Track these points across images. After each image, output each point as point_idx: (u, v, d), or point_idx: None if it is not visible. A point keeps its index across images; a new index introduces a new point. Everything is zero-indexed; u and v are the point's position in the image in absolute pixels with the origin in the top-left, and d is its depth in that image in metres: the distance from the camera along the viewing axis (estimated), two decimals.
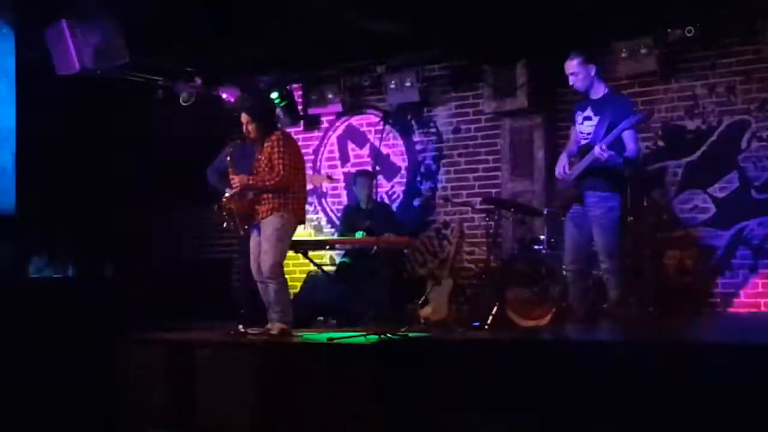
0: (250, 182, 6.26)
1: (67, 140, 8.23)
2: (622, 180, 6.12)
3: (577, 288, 6.14)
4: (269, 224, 6.21)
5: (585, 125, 6.09)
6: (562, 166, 6.17)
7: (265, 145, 6.27)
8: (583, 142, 6.08)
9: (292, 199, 6.28)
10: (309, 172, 8.32)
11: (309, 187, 8.48)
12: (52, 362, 6.83)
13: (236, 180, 6.31)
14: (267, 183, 6.19)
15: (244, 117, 6.33)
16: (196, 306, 8.30)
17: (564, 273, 6.29)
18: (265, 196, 6.24)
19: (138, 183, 9.79)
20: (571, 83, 6.12)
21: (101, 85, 7.67)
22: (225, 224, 6.60)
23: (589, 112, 6.09)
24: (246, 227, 6.33)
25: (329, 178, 7.89)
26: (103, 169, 8.58)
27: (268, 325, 6.34)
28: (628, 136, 5.91)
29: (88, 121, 8.32)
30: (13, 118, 7.65)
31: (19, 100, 7.67)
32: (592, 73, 6.04)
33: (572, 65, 6.04)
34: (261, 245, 6.25)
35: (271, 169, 6.23)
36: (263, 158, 6.28)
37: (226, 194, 6.42)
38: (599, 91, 6.09)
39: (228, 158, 6.46)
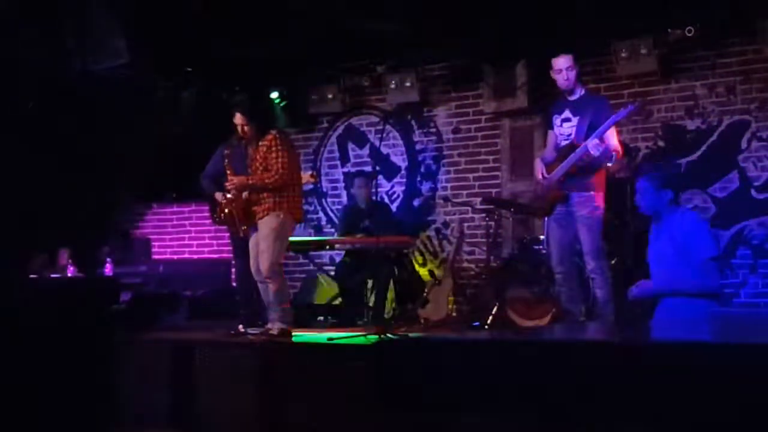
0: (249, 182, 6.26)
1: (66, 140, 8.21)
2: (606, 180, 6.14)
3: (568, 289, 6.14)
4: (266, 224, 6.21)
5: (564, 127, 6.09)
6: (540, 171, 6.14)
7: (261, 144, 6.27)
8: (564, 143, 6.08)
9: (289, 199, 6.27)
10: None
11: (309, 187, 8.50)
12: (51, 362, 6.82)
13: (235, 181, 6.30)
14: (266, 182, 6.19)
15: (239, 118, 6.33)
16: (196, 306, 8.30)
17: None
18: (261, 196, 6.24)
19: (138, 182, 9.79)
20: (563, 78, 6.05)
21: (101, 85, 7.66)
22: (222, 225, 6.61)
23: (567, 114, 6.08)
24: (244, 228, 6.33)
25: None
26: (102, 168, 8.56)
27: (268, 325, 6.34)
28: (609, 135, 5.92)
29: (88, 120, 8.30)
30: None
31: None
32: (578, 73, 6.06)
33: (567, 59, 6.00)
34: (259, 245, 6.26)
35: (266, 169, 6.22)
36: (259, 158, 6.27)
37: (227, 195, 6.41)
38: (577, 92, 6.10)
39: (225, 160, 6.46)
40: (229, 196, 6.40)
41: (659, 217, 5.63)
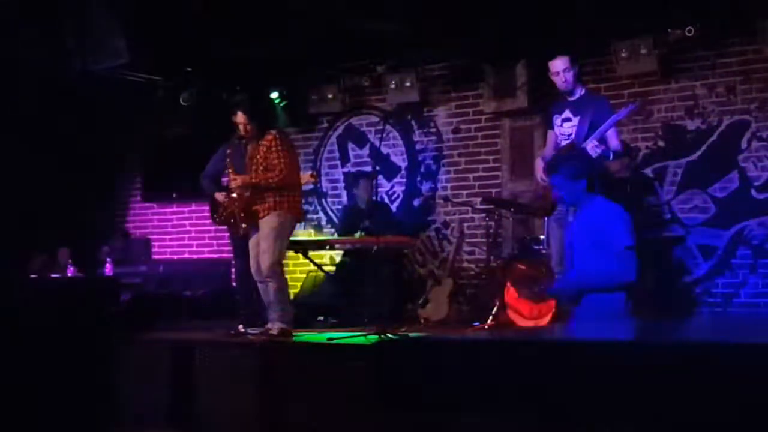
0: (252, 181, 6.25)
1: (67, 140, 8.23)
2: (608, 179, 6.15)
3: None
4: (267, 223, 6.22)
5: (565, 127, 6.11)
6: (541, 171, 6.15)
7: (261, 144, 6.26)
8: (564, 143, 6.09)
9: (289, 198, 6.28)
10: None
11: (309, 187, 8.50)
12: (51, 362, 6.82)
13: (238, 180, 6.29)
14: (269, 182, 6.19)
15: (240, 117, 6.32)
16: (196, 306, 8.31)
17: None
18: (263, 195, 6.24)
19: (137, 182, 9.79)
20: (561, 80, 6.07)
21: (101, 85, 7.67)
22: (222, 225, 6.60)
23: (567, 114, 6.10)
24: (245, 227, 6.33)
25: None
26: (102, 168, 8.59)
27: (268, 325, 6.34)
28: (610, 134, 5.94)
29: (88, 121, 8.32)
30: None
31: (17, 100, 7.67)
32: (577, 73, 6.06)
33: (564, 62, 6.02)
34: (260, 244, 6.26)
35: (266, 169, 6.22)
36: (259, 157, 6.27)
37: (232, 195, 6.39)
38: (577, 92, 6.11)
39: (227, 159, 6.46)
40: (233, 195, 6.38)
41: (578, 208, 5.53)
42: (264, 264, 6.20)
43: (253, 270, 6.37)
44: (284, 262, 6.47)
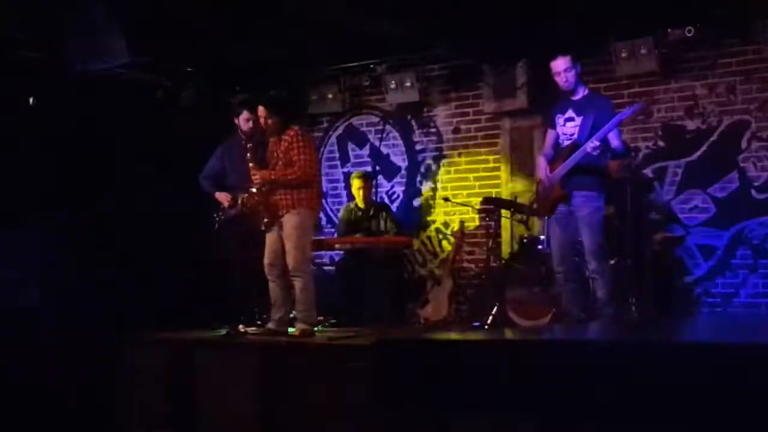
0: (272, 177, 6.25)
1: (66, 140, 8.21)
2: (608, 180, 6.15)
3: (569, 289, 6.14)
4: (288, 222, 6.22)
5: (567, 126, 6.11)
6: (543, 169, 6.16)
7: (282, 139, 6.27)
8: (567, 143, 6.09)
9: (308, 194, 6.29)
10: None
11: None
12: (52, 362, 6.83)
13: (258, 176, 6.28)
14: (289, 178, 6.19)
15: (261, 111, 6.32)
16: (196, 306, 8.30)
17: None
18: (281, 192, 6.24)
19: (137, 183, 9.78)
20: (562, 80, 6.07)
21: (100, 85, 7.65)
22: (224, 225, 6.60)
23: (570, 113, 6.09)
24: (266, 221, 6.29)
25: None
26: (102, 168, 8.56)
27: (269, 325, 6.34)
28: (612, 134, 5.94)
29: (88, 121, 8.29)
30: None
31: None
32: (579, 72, 6.06)
33: (565, 61, 6.01)
34: (284, 244, 6.22)
35: (286, 164, 6.22)
36: (279, 153, 6.28)
37: (252, 190, 6.37)
38: (580, 92, 6.11)
39: (249, 154, 6.43)
40: (252, 190, 6.36)
41: None
42: (291, 263, 6.18)
43: (266, 267, 6.33)
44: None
